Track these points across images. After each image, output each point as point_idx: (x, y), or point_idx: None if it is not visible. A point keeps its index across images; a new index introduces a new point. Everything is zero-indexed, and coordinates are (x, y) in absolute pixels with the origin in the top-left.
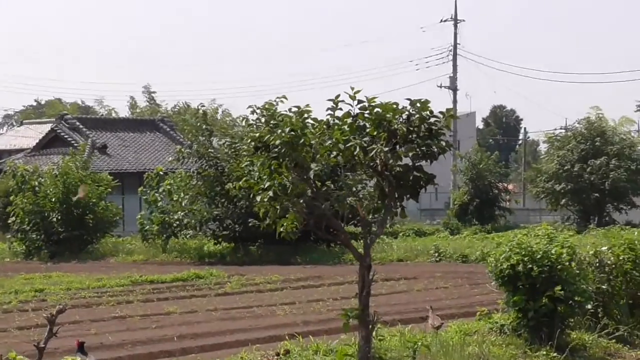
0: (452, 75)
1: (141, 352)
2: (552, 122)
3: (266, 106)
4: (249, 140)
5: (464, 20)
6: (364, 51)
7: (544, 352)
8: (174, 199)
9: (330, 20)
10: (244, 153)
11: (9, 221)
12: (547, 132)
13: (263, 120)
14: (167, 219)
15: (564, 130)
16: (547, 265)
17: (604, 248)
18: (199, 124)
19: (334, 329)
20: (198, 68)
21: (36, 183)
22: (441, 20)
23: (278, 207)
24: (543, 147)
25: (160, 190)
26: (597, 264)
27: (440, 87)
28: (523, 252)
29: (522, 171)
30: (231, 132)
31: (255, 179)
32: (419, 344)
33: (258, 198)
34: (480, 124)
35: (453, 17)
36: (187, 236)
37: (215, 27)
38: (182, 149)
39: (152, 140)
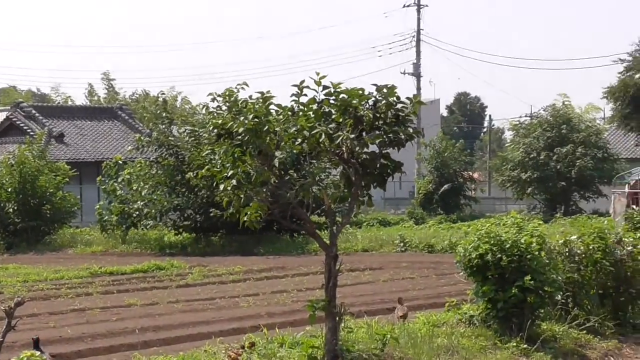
0: (415, 61)
1: (101, 345)
2: (517, 110)
3: (227, 93)
4: (211, 128)
5: (427, 6)
6: (325, 37)
7: (514, 344)
8: (134, 188)
9: (290, 5)
10: (205, 141)
11: None
12: (512, 120)
13: (225, 107)
14: (126, 209)
15: (529, 118)
16: (516, 255)
17: (573, 237)
18: (158, 111)
19: (299, 320)
20: (156, 54)
21: None
22: (404, 6)
23: (242, 195)
24: (508, 135)
25: (120, 179)
26: (567, 254)
27: (404, 73)
28: (492, 242)
29: (488, 159)
30: (192, 120)
31: (218, 167)
32: (388, 336)
33: (221, 187)
34: (444, 112)
35: (416, 2)
36: (147, 226)
37: (176, 13)
38: (142, 137)
39: (110, 128)
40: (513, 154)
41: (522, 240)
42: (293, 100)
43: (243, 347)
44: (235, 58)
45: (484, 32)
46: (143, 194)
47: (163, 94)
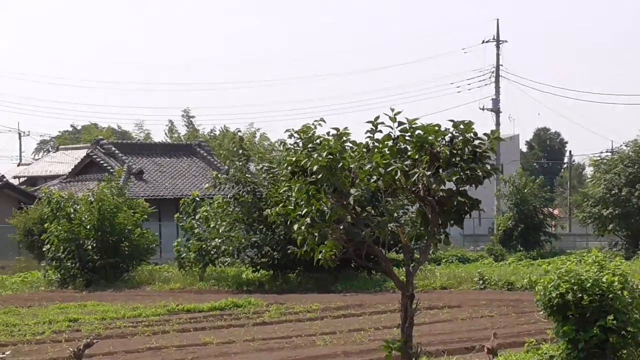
0: (494, 97)
1: None
2: (598, 146)
3: (304, 129)
4: (286, 165)
5: (506, 41)
6: (403, 73)
7: None
8: (211, 225)
9: (370, 42)
10: (282, 178)
11: (44, 249)
12: (593, 156)
13: (300, 143)
14: (204, 246)
15: (609, 154)
16: (597, 294)
17: None
18: (235, 148)
19: (376, 359)
20: (237, 91)
21: (71, 210)
22: (483, 41)
23: (316, 234)
24: (589, 171)
25: (197, 216)
26: None
27: (483, 109)
28: (572, 281)
29: (568, 195)
30: (269, 157)
31: (293, 204)
32: None
33: (295, 225)
34: (524, 147)
35: (495, 37)
36: (225, 264)
37: (254, 50)
38: (219, 175)
39: (189, 165)
40: (594, 190)
41: (604, 279)
42: (368, 137)
43: None
44: (311, 94)
45: (563, 68)
46: (220, 231)
47: (239, 131)
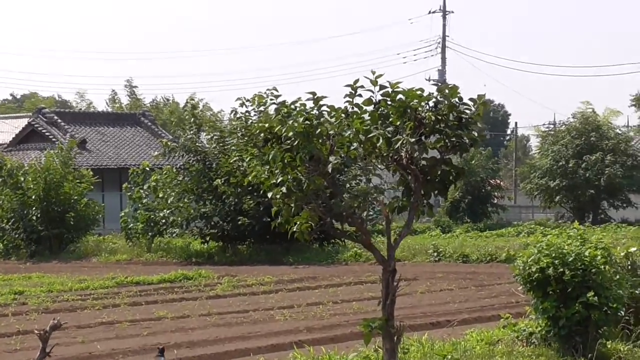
0: (440, 68)
1: None
2: (541, 117)
3: (256, 98)
4: (257, 131)
5: (452, 12)
6: (349, 44)
7: None
8: (160, 195)
9: (313, 11)
10: (233, 147)
11: None
12: (538, 127)
13: (254, 112)
14: (152, 216)
15: (552, 125)
16: (580, 269)
17: (633, 249)
18: (187, 117)
19: (340, 336)
20: (175, 61)
21: (22, 179)
22: (430, 12)
23: (292, 204)
24: (533, 143)
25: (146, 186)
26: (629, 267)
27: (429, 80)
28: (553, 255)
29: (513, 167)
30: (220, 126)
31: (266, 173)
32: (449, 357)
33: (269, 194)
34: None
35: (442, 8)
36: (173, 235)
37: (192, 20)
38: (169, 142)
39: (133, 135)
40: (541, 161)
41: (587, 253)
42: (347, 101)
43: None
44: (254, 65)
45: (508, 38)
46: (169, 201)
47: (192, 99)
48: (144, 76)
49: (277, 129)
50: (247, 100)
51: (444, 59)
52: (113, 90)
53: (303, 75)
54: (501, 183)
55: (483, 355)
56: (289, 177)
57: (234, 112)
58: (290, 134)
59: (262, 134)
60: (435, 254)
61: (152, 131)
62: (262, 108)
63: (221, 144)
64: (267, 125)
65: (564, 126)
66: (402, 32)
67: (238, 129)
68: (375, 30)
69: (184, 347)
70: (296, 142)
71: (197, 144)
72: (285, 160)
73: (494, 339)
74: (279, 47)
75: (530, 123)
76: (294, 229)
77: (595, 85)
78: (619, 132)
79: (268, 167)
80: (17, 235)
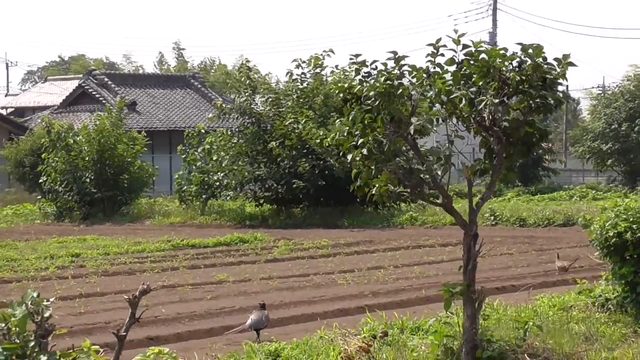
0: (491, 30)
1: (200, 327)
2: (590, 80)
3: (312, 60)
4: (337, 91)
5: None
6: (399, 7)
7: None
8: (214, 158)
9: None
10: (288, 110)
11: (40, 181)
12: (589, 90)
13: (309, 74)
14: (206, 179)
15: (602, 88)
16: None
17: None
18: (242, 78)
19: (407, 301)
20: (222, 25)
21: (72, 141)
22: None
23: (372, 166)
24: (584, 105)
25: (200, 149)
26: None
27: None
28: (631, 219)
29: (563, 130)
30: (274, 88)
31: (345, 134)
32: (530, 323)
33: (349, 157)
34: None
35: None
36: (227, 197)
37: None
38: (223, 105)
39: (182, 97)
40: (593, 124)
41: None
42: (428, 61)
43: (375, 337)
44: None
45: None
46: (224, 164)
47: (248, 61)
48: (190, 38)
49: (357, 89)
50: (303, 62)
51: (494, 20)
52: (160, 53)
53: (349, 41)
54: (552, 146)
55: (559, 321)
56: (370, 138)
57: (289, 74)
58: (372, 93)
59: (341, 94)
60: (492, 217)
61: (202, 93)
62: (318, 70)
63: (276, 106)
64: (346, 85)
65: (617, 88)
66: None
67: (293, 90)
68: None
69: (249, 311)
70: (377, 102)
71: (252, 106)
72: (366, 122)
73: (566, 304)
74: (329, 15)
75: (581, 85)
76: (373, 192)
77: None
78: None
79: (348, 128)
80: (70, 198)
